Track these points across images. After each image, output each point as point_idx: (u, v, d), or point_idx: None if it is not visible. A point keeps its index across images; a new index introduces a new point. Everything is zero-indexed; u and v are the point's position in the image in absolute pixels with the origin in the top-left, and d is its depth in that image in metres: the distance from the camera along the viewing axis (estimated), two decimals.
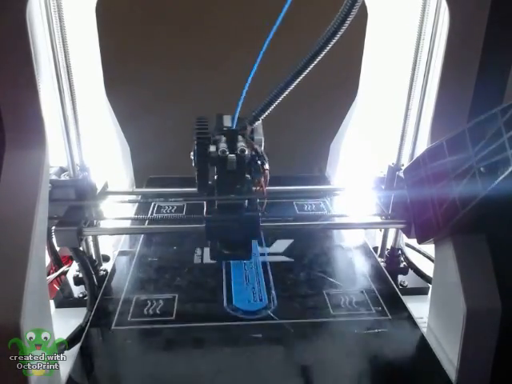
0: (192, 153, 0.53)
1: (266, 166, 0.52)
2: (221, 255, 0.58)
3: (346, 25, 0.43)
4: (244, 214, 0.54)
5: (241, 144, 0.51)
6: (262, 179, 0.53)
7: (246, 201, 0.55)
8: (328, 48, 0.45)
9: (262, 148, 0.54)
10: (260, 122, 0.53)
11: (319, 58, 0.46)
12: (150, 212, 0.87)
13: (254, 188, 0.55)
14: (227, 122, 0.54)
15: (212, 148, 0.50)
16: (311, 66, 0.47)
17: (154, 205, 0.88)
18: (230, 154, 0.50)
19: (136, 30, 1.12)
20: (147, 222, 0.76)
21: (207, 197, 0.56)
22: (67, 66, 0.57)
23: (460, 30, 0.53)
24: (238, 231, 0.55)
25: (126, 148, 0.89)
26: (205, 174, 0.53)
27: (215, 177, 0.53)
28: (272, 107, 0.51)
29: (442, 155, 0.52)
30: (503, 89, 0.54)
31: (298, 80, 0.48)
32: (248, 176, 0.54)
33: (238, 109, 0.50)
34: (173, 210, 0.85)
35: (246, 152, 0.50)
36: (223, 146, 0.50)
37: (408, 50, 0.61)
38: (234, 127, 0.52)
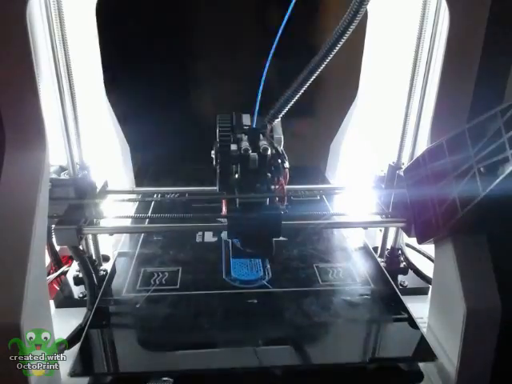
0: (212, 151, 0.53)
1: (287, 165, 0.52)
2: (242, 253, 0.58)
3: (361, 15, 0.42)
4: (266, 212, 0.53)
5: (263, 143, 0.50)
6: (282, 178, 0.53)
7: (268, 199, 0.54)
8: (343, 41, 0.44)
9: (282, 147, 0.54)
10: (279, 120, 0.53)
11: (333, 53, 0.45)
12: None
13: (272, 187, 0.54)
14: (246, 120, 0.54)
15: (233, 146, 0.50)
16: (326, 62, 0.46)
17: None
18: (252, 152, 0.50)
19: (136, 29, 1.12)
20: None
21: (228, 195, 0.55)
22: (67, 66, 0.57)
23: (460, 30, 0.53)
24: (260, 230, 0.54)
25: (125, 148, 0.89)
26: (227, 172, 0.53)
27: (236, 175, 0.53)
28: (290, 105, 0.50)
29: (442, 155, 0.52)
30: (503, 89, 0.54)
31: (314, 76, 0.47)
32: (268, 174, 0.54)
33: (257, 108, 0.50)
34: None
35: (269, 151, 0.50)
36: (245, 144, 0.50)
37: (408, 49, 0.61)
38: (255, 126, 0.52)
